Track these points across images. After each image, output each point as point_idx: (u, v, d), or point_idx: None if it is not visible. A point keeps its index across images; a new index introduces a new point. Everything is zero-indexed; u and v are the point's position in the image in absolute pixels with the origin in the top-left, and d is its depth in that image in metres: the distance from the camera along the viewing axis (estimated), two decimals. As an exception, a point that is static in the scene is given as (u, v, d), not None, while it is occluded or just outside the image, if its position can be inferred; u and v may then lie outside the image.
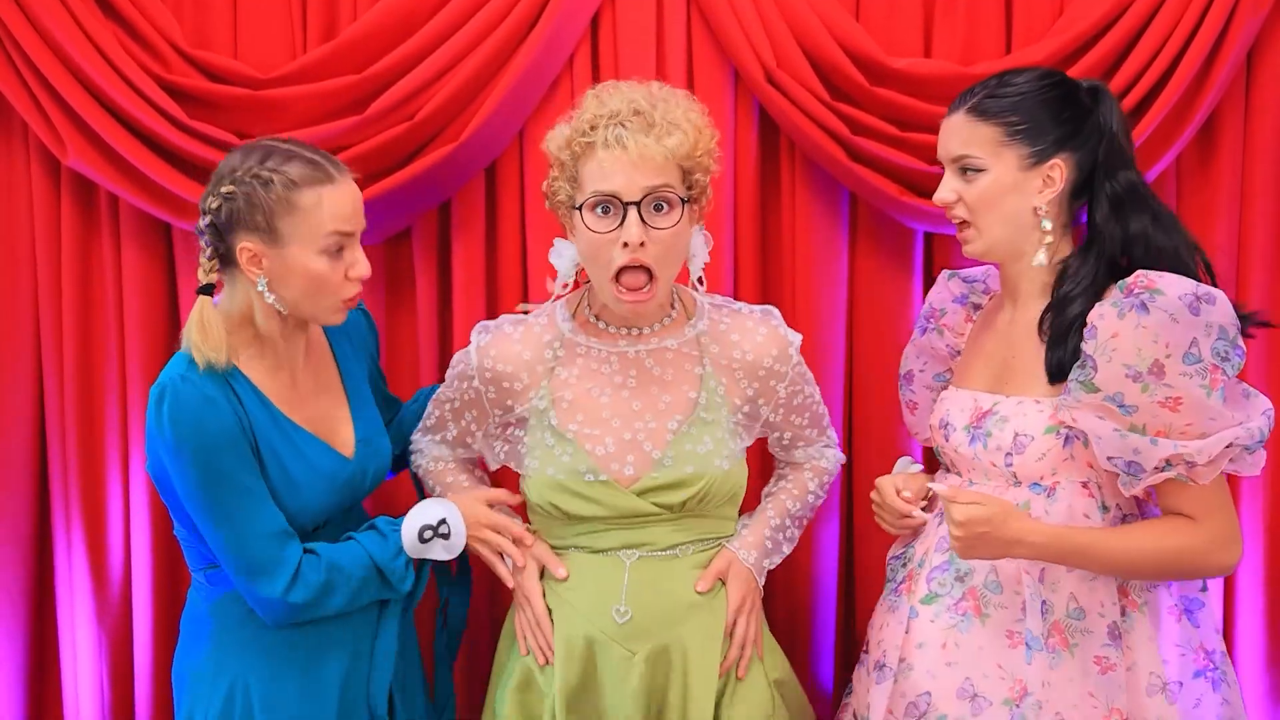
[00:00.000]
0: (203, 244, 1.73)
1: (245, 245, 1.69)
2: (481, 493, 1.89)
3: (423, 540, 1.80)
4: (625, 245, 1.67)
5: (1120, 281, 1.64)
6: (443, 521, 1.81)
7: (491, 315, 2.30)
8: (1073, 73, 2.11)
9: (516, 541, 1.85)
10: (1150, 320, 1.60)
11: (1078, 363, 1.65)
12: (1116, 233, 1.70)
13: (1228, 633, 2.32)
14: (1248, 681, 2.31)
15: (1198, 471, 1.62)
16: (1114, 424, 1.63)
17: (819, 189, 2.26)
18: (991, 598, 1.73)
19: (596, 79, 2.23)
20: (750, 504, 1.97)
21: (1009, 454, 1.72)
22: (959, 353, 1.97)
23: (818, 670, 2.35)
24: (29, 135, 2.28)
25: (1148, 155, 2.16)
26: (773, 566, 1.91)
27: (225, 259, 1.73)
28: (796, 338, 1.89)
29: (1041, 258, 1.73)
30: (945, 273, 2.03)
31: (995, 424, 1.74)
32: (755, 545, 1.87)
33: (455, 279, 2.28)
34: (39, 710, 2.41)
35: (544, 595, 1.83)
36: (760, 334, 1.86)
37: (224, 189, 1.69)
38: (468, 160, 2.20)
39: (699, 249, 1.85)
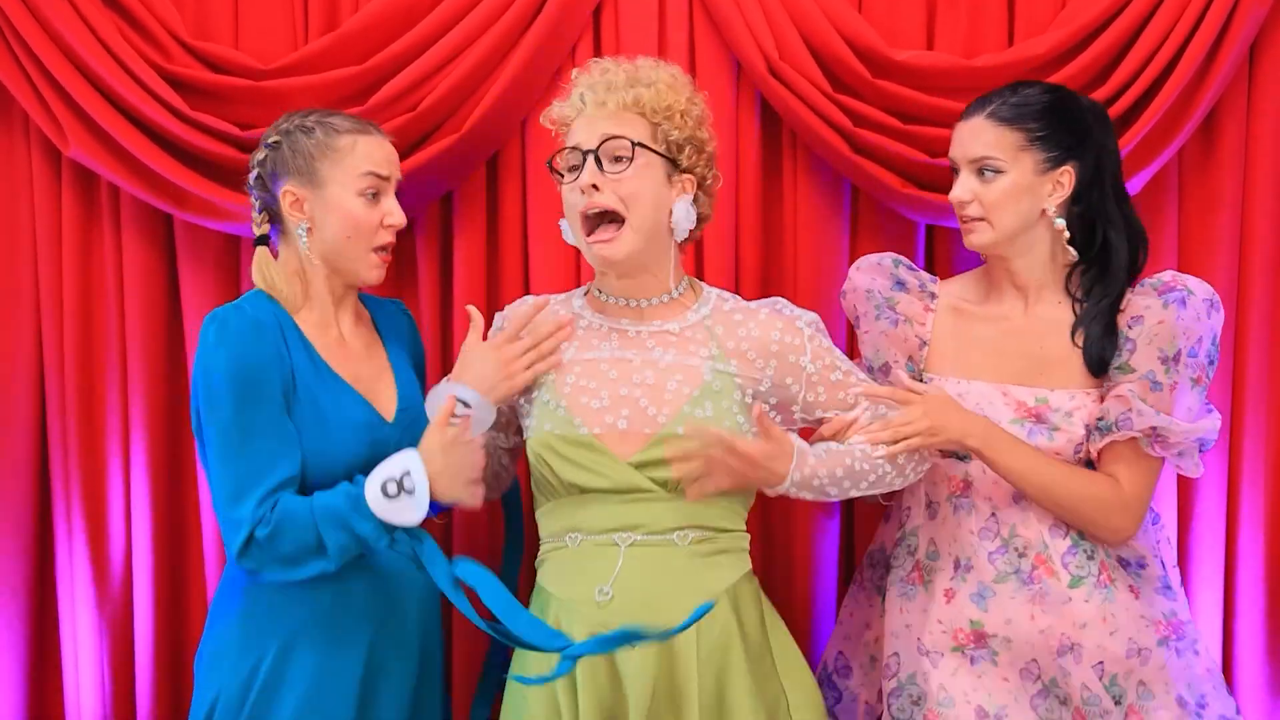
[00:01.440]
0: (252, 199, 1.88)
1: (288, 189, 1.82)
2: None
3: (388, 496, 1.68)
4: (583, 192, 1.75)
5: (1148, 280, 1.90)
6: (406, 474, 1.68)
7: (493, 306, 2.30)
8: (1075, 65, 2.12)
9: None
10: (1186, 313, 1.84)
11: (1116, 352, 1.87)
12: (1125, 249, 1.90)
13: (1227, 625, 2.33)
14: (1248, 675, 2.32)
15: (1161, 445, 1.84)
16: (1140, 393, 1.83)
17: (821, 181, 2.26)
18: (1117, 566, 1.92)
19: (599, 70, 2.23)
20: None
21: (1079, 445, 1.89)
22: (925, 343, 1.99)
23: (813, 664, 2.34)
24: (30, 126, 2.27)
25: (1150, 150, 2.16)
26: (802, 492, 1.78)
27: (271, 213, 1.86)
28: (806, 314, 1.88)
29: (1073, 253, 1.91)
30: (889, 258, 2.03)
31: (1061, 419, 1.89)
32: (810, 464, 1.76)
33: (457, 270, 2.28)
34: (40, 699, 2.41)
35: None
36: (762, 314, 1.87)
37: (270, 140, 1.85)
38: (470, 151, 2.19)
39: (682, 217, 1.81)
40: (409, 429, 1.83)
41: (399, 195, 1.90)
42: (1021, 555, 1.90)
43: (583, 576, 1.76)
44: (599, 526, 1.77)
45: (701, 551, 1.78)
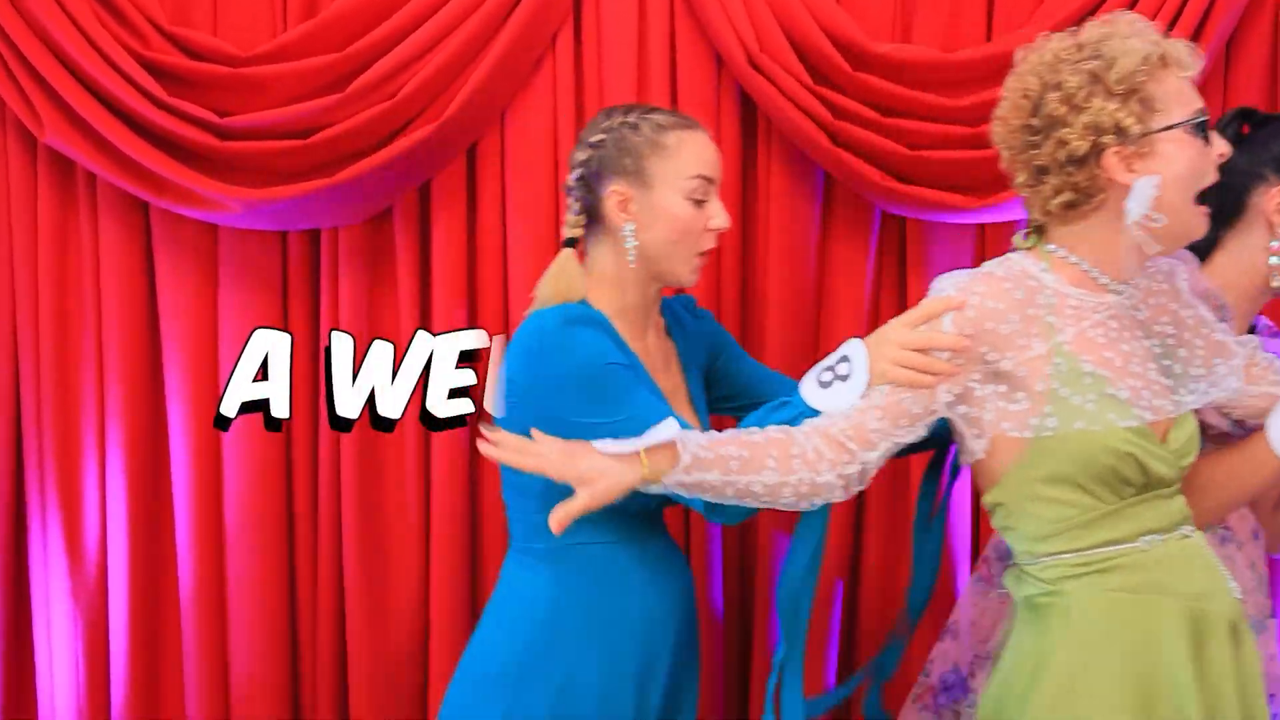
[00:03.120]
0: (571, 200, 1.80)
1: (614, 189, 1.74)
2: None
3: (824, 386, 1.58)
4: (1217, 159, 1.58)
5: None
6: (843, 359, 1.58)
7: (471, 296, 2.30)
8: (1053, 59, 2.13)
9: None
10: None
11: None
12: None
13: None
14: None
15: None
16: None
17: (794, 172, 2.26)
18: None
19: (579, 60, 2.23)
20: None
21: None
22: None
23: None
24: (5, 112, 2.26)
25: (1126, 143, 2.17)
26: None
27: (593, 214, 1.78)
28: None
29: None
30: None
31: None
32: None
33: (435, 259, 2.27)
34: (15, 687, 2.40)
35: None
36: None
37: (593, 139, 1.77)
38: (449, 140, 2.19)
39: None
40: None
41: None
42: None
43: (1190, 576, 1.59)
44: (1168, 523, 1.59)
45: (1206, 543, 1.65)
